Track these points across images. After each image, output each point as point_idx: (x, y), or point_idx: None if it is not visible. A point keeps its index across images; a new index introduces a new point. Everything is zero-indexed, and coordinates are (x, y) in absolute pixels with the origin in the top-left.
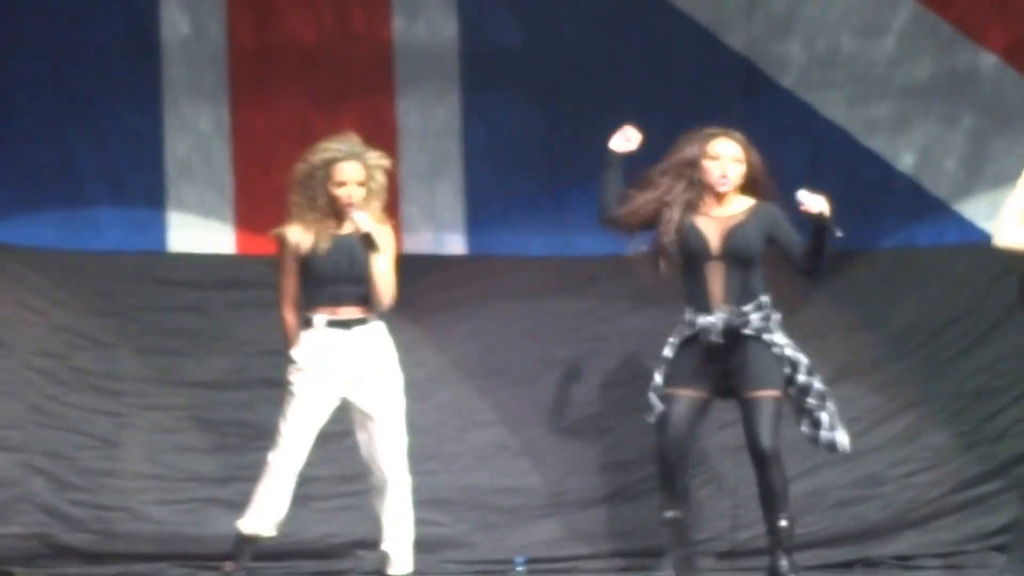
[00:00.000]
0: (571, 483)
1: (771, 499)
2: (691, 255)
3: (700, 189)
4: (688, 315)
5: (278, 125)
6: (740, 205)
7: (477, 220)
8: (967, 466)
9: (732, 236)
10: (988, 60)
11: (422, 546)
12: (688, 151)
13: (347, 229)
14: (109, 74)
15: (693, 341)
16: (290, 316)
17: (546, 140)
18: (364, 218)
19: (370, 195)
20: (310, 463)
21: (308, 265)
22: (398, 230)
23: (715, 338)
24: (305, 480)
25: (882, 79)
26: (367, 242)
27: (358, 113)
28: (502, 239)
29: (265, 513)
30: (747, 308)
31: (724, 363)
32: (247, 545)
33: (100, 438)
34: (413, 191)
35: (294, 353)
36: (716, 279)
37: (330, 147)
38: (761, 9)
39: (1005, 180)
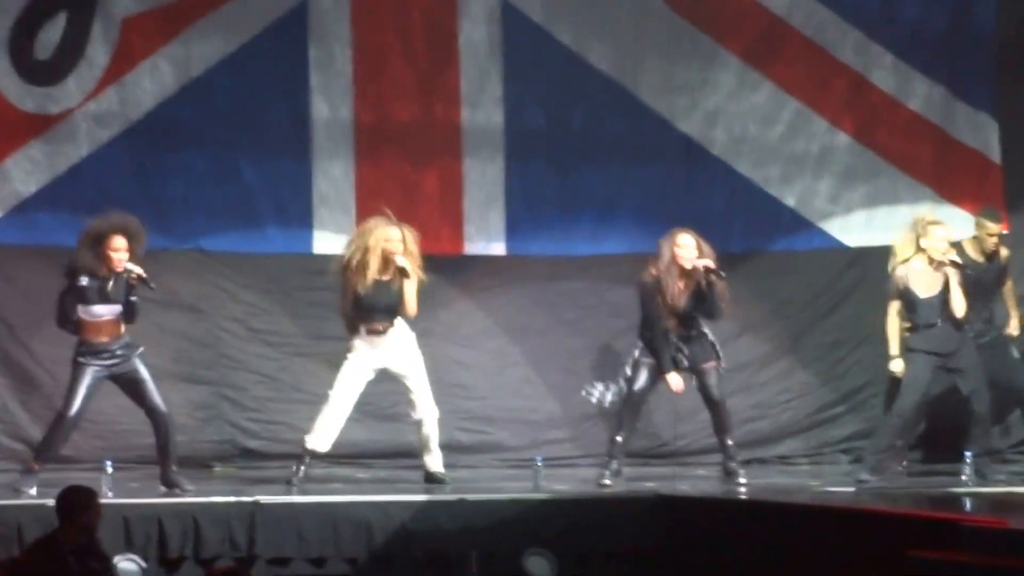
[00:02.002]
0: (571, 406)
1: (723, 427)
2: None
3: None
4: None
5: (385, 173)
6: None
7: (513, 234)
8: (824, 394)
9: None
10: (843, 139)
11: (474, 449)
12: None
13: (387, 275)
14: (277, 138)
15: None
16: (348, 317)
17: (558, 186)
18: (403, 260)
19: (407, 249)
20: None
21: (357, 294)
22: (462, 240)
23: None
24: (387, 409)
25: (774, 151)
26: (403, 273)
27: (438, 169)
28: (529, 246)
29: (322, 435)
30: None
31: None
32: (308, 455)
33: (266, 375)
34: (472, 216)
35: (353, 342)
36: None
37: (379, 221)
38: (698, 106)
39: (852, 208)
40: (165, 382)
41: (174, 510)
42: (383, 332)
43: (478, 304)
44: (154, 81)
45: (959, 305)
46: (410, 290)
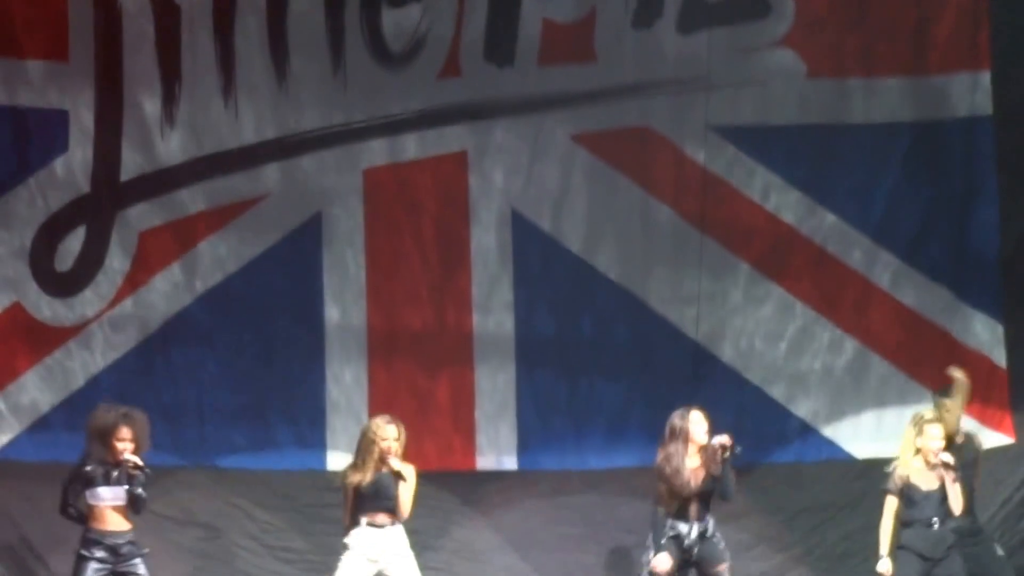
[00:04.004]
0: None
1: None
2: None
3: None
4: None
5: (396, 381)
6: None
7: (524, 447)
8: None
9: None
10: (850, 345)
11: None
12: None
13: (384, 470)
14: (293, 345)
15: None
16: (347, 520)
17: (568, 397)
18: (396, 461)
19: (400, 448)
20: None
21: (360, 491)
22: (474, 454)
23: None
24: None
25: (780, 367)
26: (397, 476)
27: (449, 377)
28: (540, 459)
29: None
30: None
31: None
32: None
33: None
34: (484, 428)
35: (348, 540)
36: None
37: (379, 421)
38: (705, 319)
39: (860, 415)
40: None
41: None
42: (382, 527)
43: (489, 521)
44: (169, 286)
45: (956, 503)
46: (405, 493)
